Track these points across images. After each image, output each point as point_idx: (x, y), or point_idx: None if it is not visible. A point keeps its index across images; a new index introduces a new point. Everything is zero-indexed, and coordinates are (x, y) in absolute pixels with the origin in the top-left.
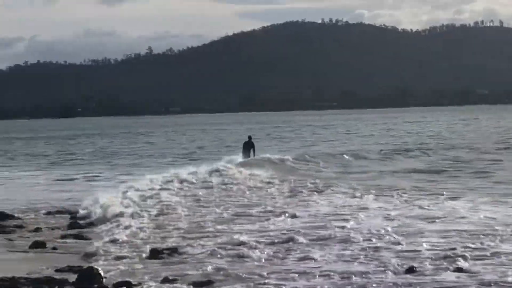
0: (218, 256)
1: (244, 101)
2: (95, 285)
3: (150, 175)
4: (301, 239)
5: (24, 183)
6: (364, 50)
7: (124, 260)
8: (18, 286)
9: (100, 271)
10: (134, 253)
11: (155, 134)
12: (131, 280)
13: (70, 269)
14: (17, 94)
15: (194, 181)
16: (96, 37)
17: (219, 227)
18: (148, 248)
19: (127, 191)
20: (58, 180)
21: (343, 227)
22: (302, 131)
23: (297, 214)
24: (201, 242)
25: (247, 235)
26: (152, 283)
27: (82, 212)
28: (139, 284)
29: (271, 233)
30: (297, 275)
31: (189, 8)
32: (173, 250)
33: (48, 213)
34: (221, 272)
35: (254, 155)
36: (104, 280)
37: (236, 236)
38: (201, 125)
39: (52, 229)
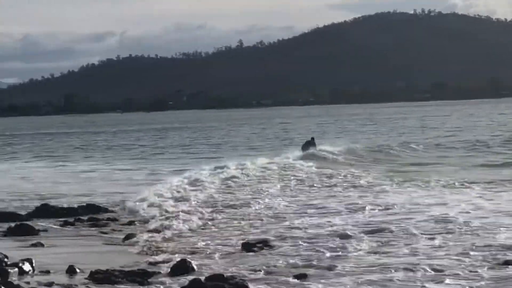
0: (312, 248)
1: (335, 93)
2: (188, 278)
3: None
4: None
5: (119, 177)
6: (457, 40)
7: (216, 253)
8: (112, 279)
9: (193, 264)
10: (226, 247)
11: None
12: (223, 273)
13: (163, 261)
14: (109, 88)
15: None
16: (187, 31)
17: (309, 218)
18: (239, 241)
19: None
20: (151, 173)
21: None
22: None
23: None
24: (293, 234)
25: (340, 226)
26: (245, 276)
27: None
28: (232, 277)
29: (367, 224)
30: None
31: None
32: (265, 243)
33: None
34: (315, 265)
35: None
36: (196, 272)
37: (329, 228)
38: (291, 118)
39: (145, 222)
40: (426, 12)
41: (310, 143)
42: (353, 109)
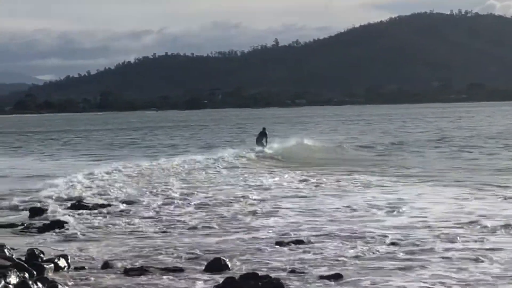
0: (346, 248)
1: (370, 93)
2: (223, 275)
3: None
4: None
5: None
6: (494, 41)
7: (250, 252)
8: (145, 274)
9: (227, 262)
10: (260, 245)
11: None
12: (257, 271)
13: (196, 257)
14: (144, 86)
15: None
16: (223, 29)
17: (344, 219)
18: (273, 239)
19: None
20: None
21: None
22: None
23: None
24: (331, 233)
25: (372, 228)
26: (279, 275)
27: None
28: (266, 276)
29: (401, 228)
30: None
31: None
32: (299, 242)
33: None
34: (349, 265)
35: (266, 144)
36: (231, 270)
37: (363, 229)
38: (326, 117)
39: None
40: (463, 12)
41: (262, 134)
42: (386, 109)
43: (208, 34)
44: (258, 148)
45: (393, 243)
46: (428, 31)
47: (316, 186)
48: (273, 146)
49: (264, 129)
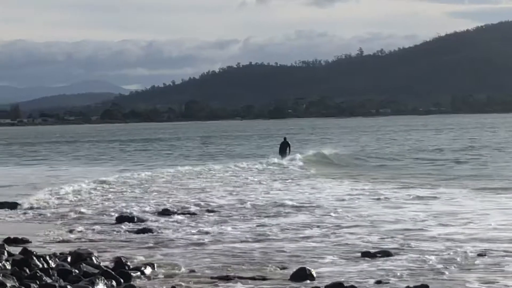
0: (433, 259)
1: (456, 102)
2: (308, 285)
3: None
4: None
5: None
6: None
7: (335, 262)
8: (231, 282)
9: (312, 272)
10: (346, 255)
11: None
12: (343, 281)
13: (281, 266)
14: (229, 95)
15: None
16: (308, 39)
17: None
18: (359, 249)
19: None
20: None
21: None
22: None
23: None
24: (416, 245)
25: (458, 238)
26: (365, 286)
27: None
28: (351, 286)
29: (487, 240)
30: None
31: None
32: (386, 253)
33: None
34: (436, 277)
35: (289, 153)
36: (316, 281)
37: (449, 240)
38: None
39: None
40: None
41: (284, 144)
42: (472, 118)
43: (292, 43)
44: (279, 159)
45: (480, 255)
46: None
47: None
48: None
49: (285, 138)
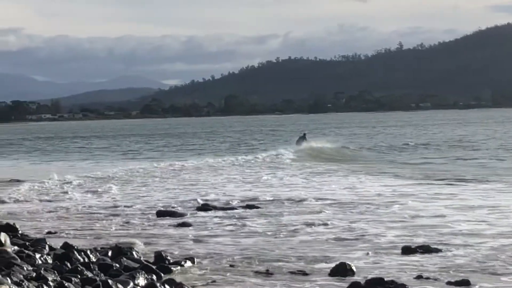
0: (474, 255)
1: (497, 96)
2: (348, 280)
3: None
4: None
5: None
6: None
7: (375, 257)
8: (270, 276)
9: (352, 267)
10: (386, 250)
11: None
12: (383, 276)
13: (320, 261)
14: (268, 90)
15: None
16: (349, 33)
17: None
18: (399, 244)
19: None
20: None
21: None
22: None
23: None
24: (457, 241)
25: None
26: (405, 281)
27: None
28: (392, 281)
29: None
30: None
31: (442, 2)
32: (426, 249)
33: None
34: (478, 272)
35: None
36: (356, 276)
37: (491, 235)
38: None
39: None
40: None
41: (302, 138)
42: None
43: (333, 37)
44: (297, 147)
45: None
46: None
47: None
48: None
49: (304, 134)
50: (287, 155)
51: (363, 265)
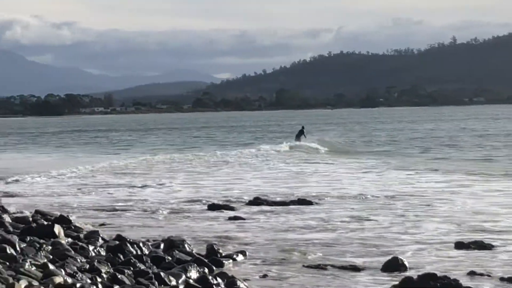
0: None
1: None
2: (400, 275)
3: None
4: None
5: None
6: None
7: (427, 252)
8: (323, 270)
9: (404, 262)
10: (438, 245)
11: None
12: (436, 272)
13: (372, 256)
14: (319, 84)
15: None
16: (402, 27)
17: None
18: (452, 239)
19: None
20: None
21: None
22: None
23: None
24: (510, 237)
25: None
26: (458, 276)
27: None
28: (445, 277)
29: None
30: None
31: None
32: (480, 245)
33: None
34: None
35: (305, 138)
36: (408, 271)
37: None
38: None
39: None
40: None
41: (300, 131)
42: None
43: (386, 31)
44: (295, 143)
45: None
46: None
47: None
48: None
49: (303, 127)
50: (322, 148)
51: (415, 260)
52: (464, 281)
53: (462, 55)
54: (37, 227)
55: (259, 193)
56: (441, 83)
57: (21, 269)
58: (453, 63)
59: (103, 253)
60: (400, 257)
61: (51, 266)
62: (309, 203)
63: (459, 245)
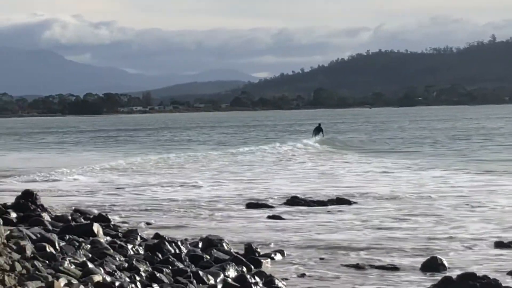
0: None
1: None
2: (439, 275)
3: None
4: None
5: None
6: None
7: (466, 252)
8: (361, 271)
9: (444, 261)
10: (478, 245)
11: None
12: (475, 272)
13: (410, 256)
14: (357, 83)
15: None
16: (441, 25)
17: None
18: (491, 239)
19: None
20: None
21: None
22: None
23: None
24: None
25: None
26: (498, 276)
27: None
28: (484, 277)
29: None
30: None
31: None
32: None
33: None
34: None
35: (323, 136)
36: (447, 271)
37: None
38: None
39: None
40: None
41: (318, 128)
42: None
43: (425, 30)
44: (314, 138)
45: None
46: None
47: None
48: None
49: (319, 124)
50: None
51: (455, 259)
52: (504, 281)
53: (502, 53)
54: (76, 226)
55: (295, 193)
56: (481, 82)
57: (61, 268)
58: (492, 61)
59: (141, 251)
60: (439, 256)
61: (90, 265)
62: (348, 202)
63: (499, 244)
